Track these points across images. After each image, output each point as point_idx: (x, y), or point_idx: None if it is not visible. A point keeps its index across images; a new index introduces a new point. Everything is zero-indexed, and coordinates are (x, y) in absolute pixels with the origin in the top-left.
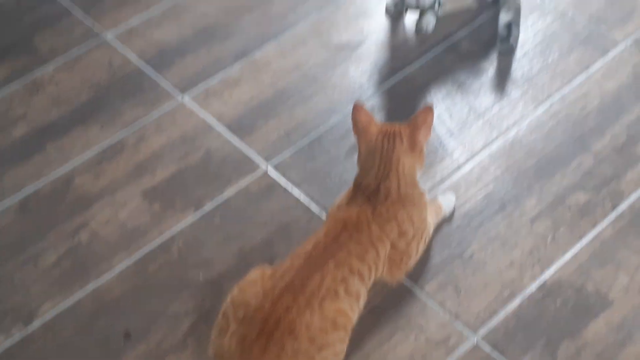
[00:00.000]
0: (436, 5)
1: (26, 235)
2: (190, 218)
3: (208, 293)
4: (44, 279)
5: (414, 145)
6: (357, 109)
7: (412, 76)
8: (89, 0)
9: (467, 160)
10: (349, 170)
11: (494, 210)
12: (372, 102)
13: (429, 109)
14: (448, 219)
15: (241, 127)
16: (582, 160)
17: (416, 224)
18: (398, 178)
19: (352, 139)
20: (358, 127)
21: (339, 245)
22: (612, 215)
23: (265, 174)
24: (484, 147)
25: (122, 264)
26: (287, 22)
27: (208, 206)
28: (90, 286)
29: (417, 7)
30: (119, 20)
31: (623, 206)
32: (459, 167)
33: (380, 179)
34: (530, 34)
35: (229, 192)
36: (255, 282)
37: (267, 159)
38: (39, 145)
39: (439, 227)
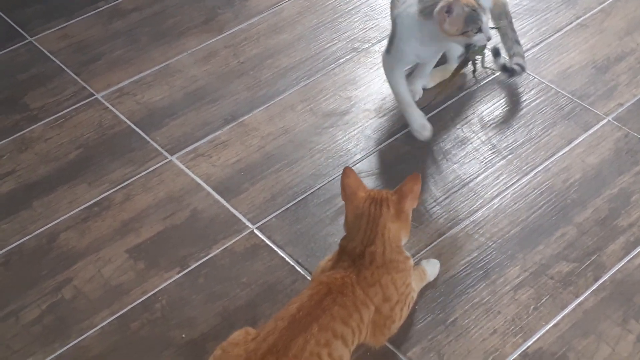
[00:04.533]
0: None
1: (9, 290)
2: (174, 277)
3: (190, 353)
4: (24, 335)
5: (400, 213)
6: (346, 173)
7: (398, 143)
8: (82, 60)
9: (452, 228)
10: (334, 233)
11: (478, 278)
12: (359, 168)
13: (417, 178)
14: (432, 285)
15: (228, 188)
16: (565, 232)
17: (400, 289)
18: (384, 243)
19: (338, 203)
20: (346, 191)
21: (323, 309)
22: (594, 287)
23: (251, 235)
24: (468, 215)
25: (104, 322)
26: (277, 88)
27: (193, 265)
28: (71, 343)
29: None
30: (110, 82)
31: (605, 278)
32: (443, 234)
33: (365, 243)
34: (514, 107)
35: (215, 252)
36: (238, 343)
37: (253, 220)
38: (26, 201)
39: (422, 293)
